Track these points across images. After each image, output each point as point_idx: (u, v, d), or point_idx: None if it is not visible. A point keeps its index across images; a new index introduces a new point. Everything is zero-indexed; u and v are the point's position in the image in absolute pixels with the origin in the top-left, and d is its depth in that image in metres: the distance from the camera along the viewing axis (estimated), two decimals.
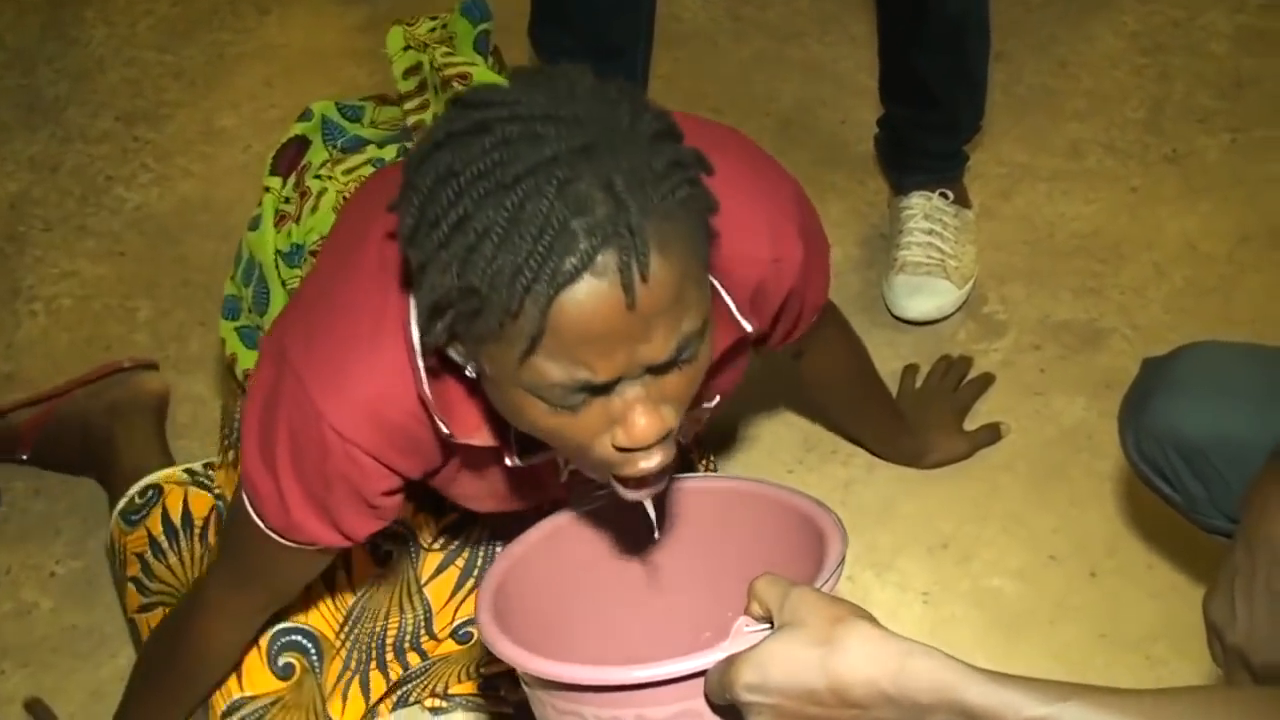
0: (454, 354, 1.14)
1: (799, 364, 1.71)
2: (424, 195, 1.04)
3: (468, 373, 1.15)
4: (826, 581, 1.17)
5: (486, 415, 1.25)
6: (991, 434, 1.98)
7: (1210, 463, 1.38)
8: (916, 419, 1.96)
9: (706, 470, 1.81)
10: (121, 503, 1.82)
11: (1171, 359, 1.45)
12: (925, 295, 2.10)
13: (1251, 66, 2.50)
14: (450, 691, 1.72)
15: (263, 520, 1.34)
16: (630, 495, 1.19)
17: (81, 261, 2.37)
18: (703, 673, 1.07)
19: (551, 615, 1.39)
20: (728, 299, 1.30)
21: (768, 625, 1.06)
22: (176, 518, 1.78)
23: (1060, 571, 1.85)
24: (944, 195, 2.17)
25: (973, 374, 2.05)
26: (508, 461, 1.31)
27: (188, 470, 1.84)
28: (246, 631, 1.56)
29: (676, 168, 1.04)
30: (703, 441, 1.83)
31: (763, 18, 2.71)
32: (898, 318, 2.13)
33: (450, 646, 1.71)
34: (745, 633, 1.07)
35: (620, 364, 1.05)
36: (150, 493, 1.82)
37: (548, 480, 1.46)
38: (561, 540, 1.40)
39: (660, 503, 1.38)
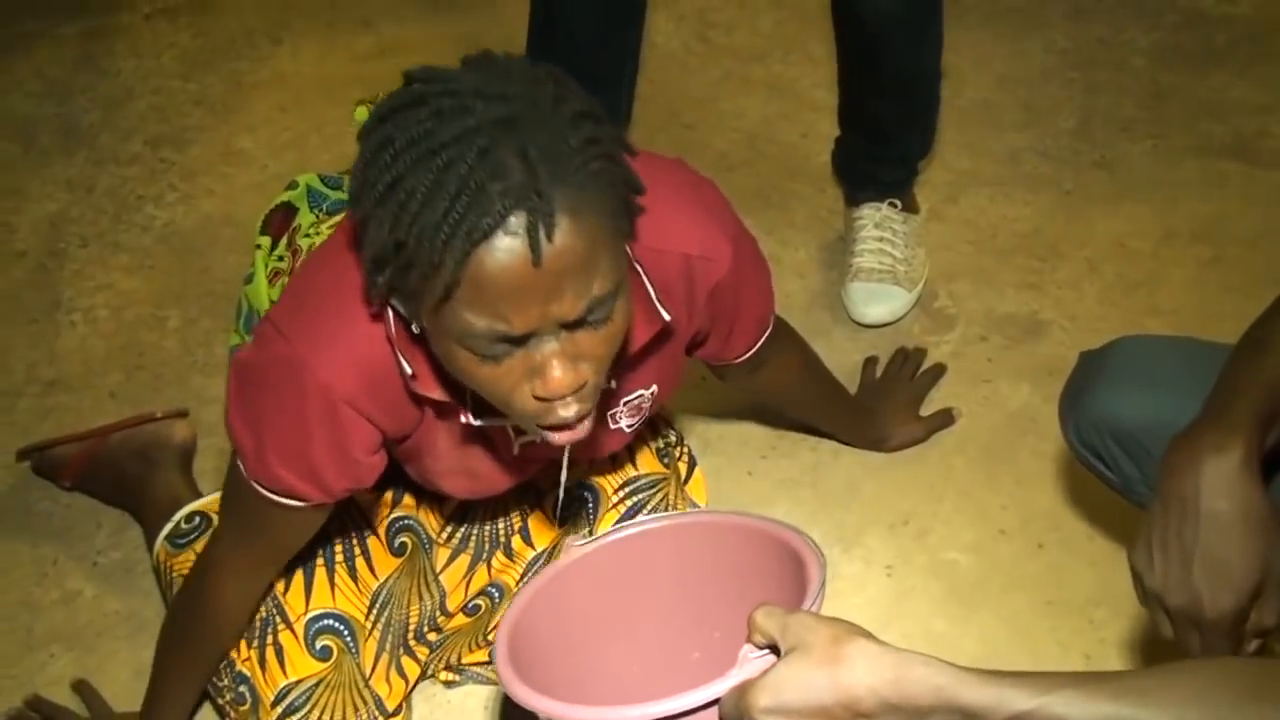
0: (399, 307, 1.17)
1: (752, 381, 1.65)
2: (365, 160, 1.07)
3: (414, 329, 1.16)
4: (813, 604, 1.14)
5: (443, 379, 1.25)
6: (945, 418, 1.94)
7: (1143, 446, 1.37)
8: (877, 407, 1.92)
9: (682, 457, 1.76)
10: (167, 528, 1.77)
11: (1105, 353, 1.43)
12: (880, 301, 2.06)
13: (1169, 79, 2.47)
14: (463, 662, 1.69)
15: (249, 475, 1.32)
16: (555, 439, 1.19)
17: (116, 275, 2.31)
18: (715, 701, 1.05)
19: (561, 654, 1.35)
20: (649, 286, 1.29)
21: (768, 651, 1.04)
22: None
23: (1010, 544, 1.81)
24: (893, 204, 2.12)
25: (927, 364, 2.00)
26: (463, 419, 1.29)
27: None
28: (254, 588, 1.52)
29: (592, 144, 1.06)
30: (682, 439, 1.78)
31: (729, 41, 2.67)
32: (857, 322, 2.08)
33: (461, 620, 1.67)
34: (751, 659, 1.04)
35: (534, 318, 1.07)
36: (198, 519, 1.76)
37: (504, 453, 1.43)
38: (562, 585, 1.35)
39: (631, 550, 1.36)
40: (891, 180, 2.13)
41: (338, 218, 1.52)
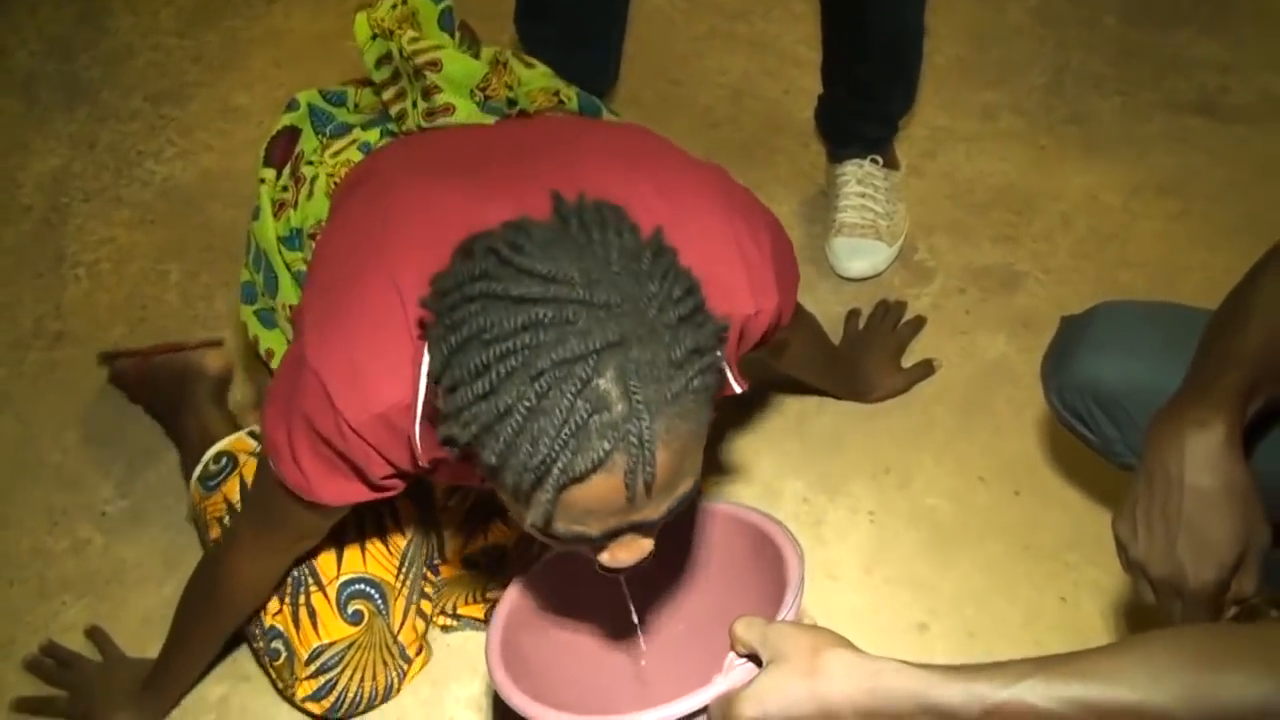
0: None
1: (770, 360, 1.61)
2: (453, 348, 0.95)
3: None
4: (793, 602, 1.12)
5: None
6: (926, 369, 1.89)
7: (1123, 408, 1.34)
8: (860, 360, 1.87)
9: None
10: (198, 469, 1.71)
11: (1087, 318, 1.40)
12: (862, 256, 2.00)
13: (1136, 37, 2.40)
14: (459, 612, 1.65)
15: (277, 473, 1.25)
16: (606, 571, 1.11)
17: (118, 229, 2.23)
18: (703, 709, 1.04)
19: (553, 645, 1.32)
20: (727, 371, 1.20)
21: (748, 659, 1.04)
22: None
23: (988, 491, 1.77)
24: (874, 161, 2.06)
25: (907, 316, 1.95)
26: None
27: (252, 434, 1.73)
28: (273, 568, 1.47)
29: (695, 355, 0.95)
30: None
31: None
32: (839, 276, 2.02)
33: (459, 571, 1.63)
34: (736, 666, 1.04)
35: (615, 527, 1.00)
36: (225, 460, 1.70)
37: None
38: (551, 578, 1.32)
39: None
40: (874, 137, 2.06)
41: (341, 144, 1.41)
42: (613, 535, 1.02)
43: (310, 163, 1.43)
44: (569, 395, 0.90)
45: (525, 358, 0.91)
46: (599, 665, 1.37)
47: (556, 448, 0.91)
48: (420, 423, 1.15)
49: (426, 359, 1.11)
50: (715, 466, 1.81)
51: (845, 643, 0.99)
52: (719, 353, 0.99)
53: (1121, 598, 1.64)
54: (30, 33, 2.63)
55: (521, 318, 0.91)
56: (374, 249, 1.19)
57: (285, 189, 1.45)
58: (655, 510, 0.99)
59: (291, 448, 1.22)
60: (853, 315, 1.95)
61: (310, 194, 1.39)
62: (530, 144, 1.29)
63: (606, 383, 0.91)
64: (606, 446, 0.91)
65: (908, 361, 1.90)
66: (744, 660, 1.05)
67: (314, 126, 1.48)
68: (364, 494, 1.25)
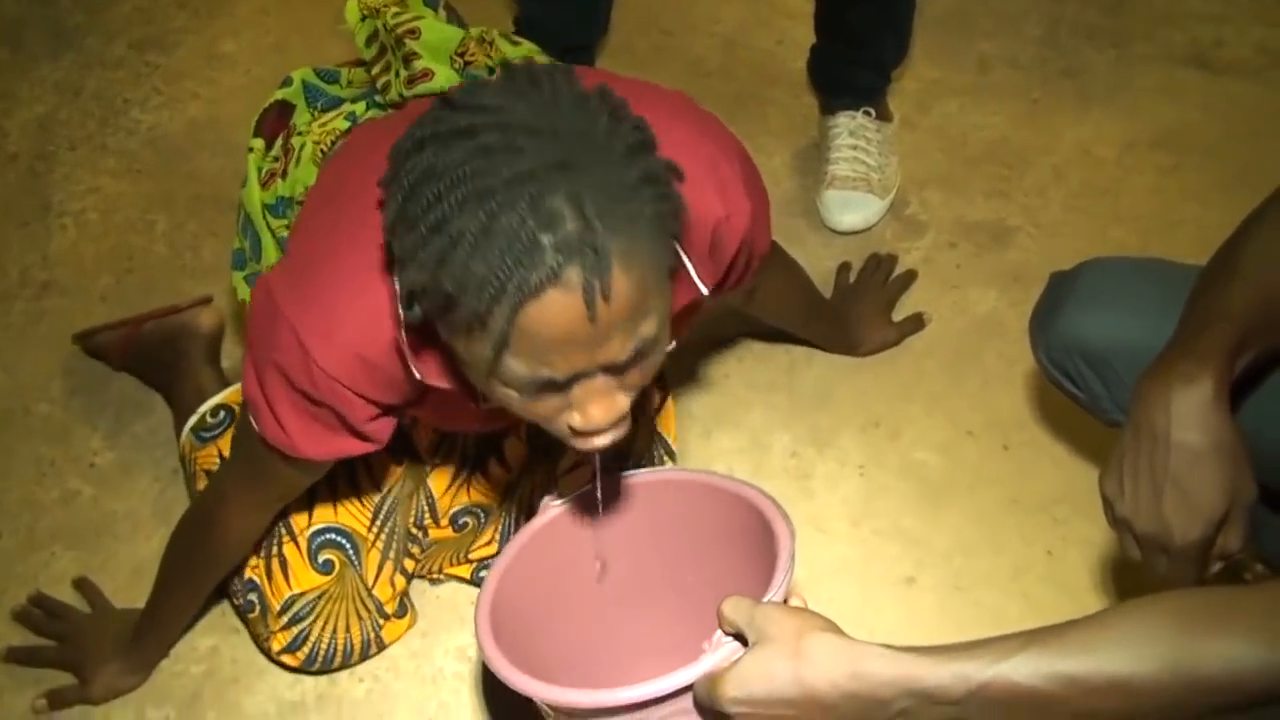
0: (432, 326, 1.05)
1: (749, 302, 1.60)
2: (406, 191, 0.94)
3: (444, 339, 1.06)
4: (782, 580, 1.12)
5: (454, 371, 1.15)
6: (916, 323, 1.89)
7: (1111, 366, 1.34)
8: (851, 313, 1.87)
9: (656, 387, 1.70)
10: (193, 420, 1.71)
11: (1076, 274, 1.40)
12: (854, 209, 1.99)
13: None
14: (445, 572, 1.66)
15: (259, 431, 1.25)
16: (586, 449, 1.09)
17: (104, 178, 2.22)
18: (688, 686, 1.05)
19: (541, 614, 1.33)
20: (687, 263, 1.18)
21: (734, 638, 1.04)
22: None
23: (977, 445, 1.78)
24: (867, 113, 2.05)
25: (898, 270, 1.95)
26: (475, 405, 1.22)
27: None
28: (258, 522, 1.47)
29: (648, 182, 0.95)
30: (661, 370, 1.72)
31: None
32: (831, 229, 2.02)
33: (447, 533, 1.63)
34: (722, 645, 1.05)
35: (579, 365, 0.98)
36: (222, 414, 1.70)
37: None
38: (538, 547, 1.32)
39: (611, 487, 1.32)
40: (866, 87, 2.05)
41: (330, 116, 1.41)
42: (578, 377, 1.00)
43: (300, 134, 1.43)
44: (519, 213, 0.90)
45: (475, 183, 0.91)
46: (587, 633, 1.38)
47: (509, 263, 0.90)
48: (408, 347, 1.14)
49: (398, 285, 1.10)
50: (704, 418, 1.82)
51: (831, 626, 1.00)
52: (672, 189, 0.99)
53: (1108, 551, 1.65)
54: None
55: (470, 145, 0.92)
56: (348, 202, 1.19)
57: (275, 159, 1.45)
58: (621, 346, 0.97)
59: (270, 403, 1.21)
60: (844, 268, 1.94)
61: (298, 161, 1.39)
62: None
63: (558, 201, 0.91)
64: (560, 259, 0.90)
65: (898, 315, 1.90)
66: (730, 639, 1.06)
67: (307, 102, 1.48)
68: (348, 446, 1.25)
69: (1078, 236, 1.98)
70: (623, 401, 1.04)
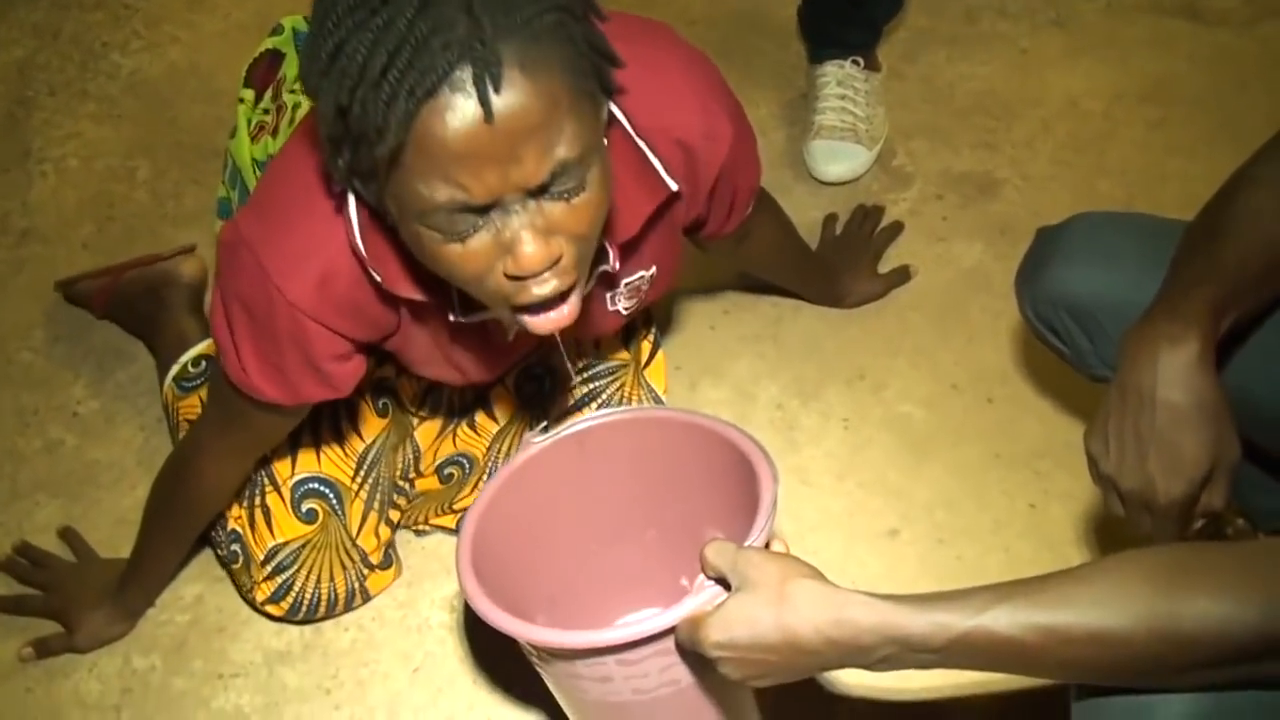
0: (363, 194, 1.05)
1: (737, 250, 1.59)
2: (311, 33, 0.95)
3: (382, 223, 1.06)
4: (764, 529, 1.13)
5: (418, 278, 1.15)
6: (902, 275, 1.89)
7: (1097, 321, 1.34)
8: (837, 264, 1.87)
9: (647, 336, 1.69)
10: (174, 369, 1.71)
11: (1062, 230, 1.39)
12: (841, 159, 1.99)
13: None
14: (430, 523, 1.66)
15: (229, 378, 1.25)
16: (537, 326, 1.08)
17: (84, 124, 2.20)
18: (671, 629, 1.06)
19: (522, 551, 1.33)
20: (653, 158, 1.19)
21: (717, 583, 1.06)
22: None
23: (961, 399, 1.78)
24: (856, 63, 2.03)
25: (885, 222, 1.94)
26: (450, 318, 1.21)
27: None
28: (236, 470, 1.48)
29: None
30: (651, 320, 1.71)
31: None
32: (817, 180, 2.01)
33: (432, 483, 1.63)
34: (705, 589, 1.06)
35: (493, 184, 0.95)
36: (204, 363, 1.70)
37: (497, 343, 1.36)
38: (520, 483, 1.32)
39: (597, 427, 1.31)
40: (856, 41, 2.04)
41: None
42: (500, 205, 0.98)
43: (293, 91, 1.41)
44: (407, 16, 0.90)
45: (369, 2, 0.91)
46: (569, 568, 1.39)
47: (401, 64, 0.90)
48: (372, 249, 1.13)
49: (352, 202, 1.11)
50: (690, 368, 1.82)
51: (814, 573, 1.01)
52: (585, 19, 0.98)
53: (1090, 505, 1.66)
54: None
55: None
56: (314, 143, 1.17)
57: (266, 112, 1.44)
58: (535, 163, 0.96)
59: (236, 346, 1.22)
60: (830, 220, 1.94)
61: (292, 121, 1.38)
62: None
63: (447, 7, 0.91)
64: (451, 57, 0.90)
65: (885, 267, 1.90)
66: (712, 583, 1.07)
67: (298, 51, 1.46)
68: (310, 392, 1.25)
69: (1064, 189, 1.98)
70: (557, 245, 1.02)
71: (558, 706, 1.29)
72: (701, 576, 1.08)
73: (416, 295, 1.17)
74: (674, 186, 1.22)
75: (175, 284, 1.83)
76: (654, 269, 1.34)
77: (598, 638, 1.10)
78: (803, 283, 1.84)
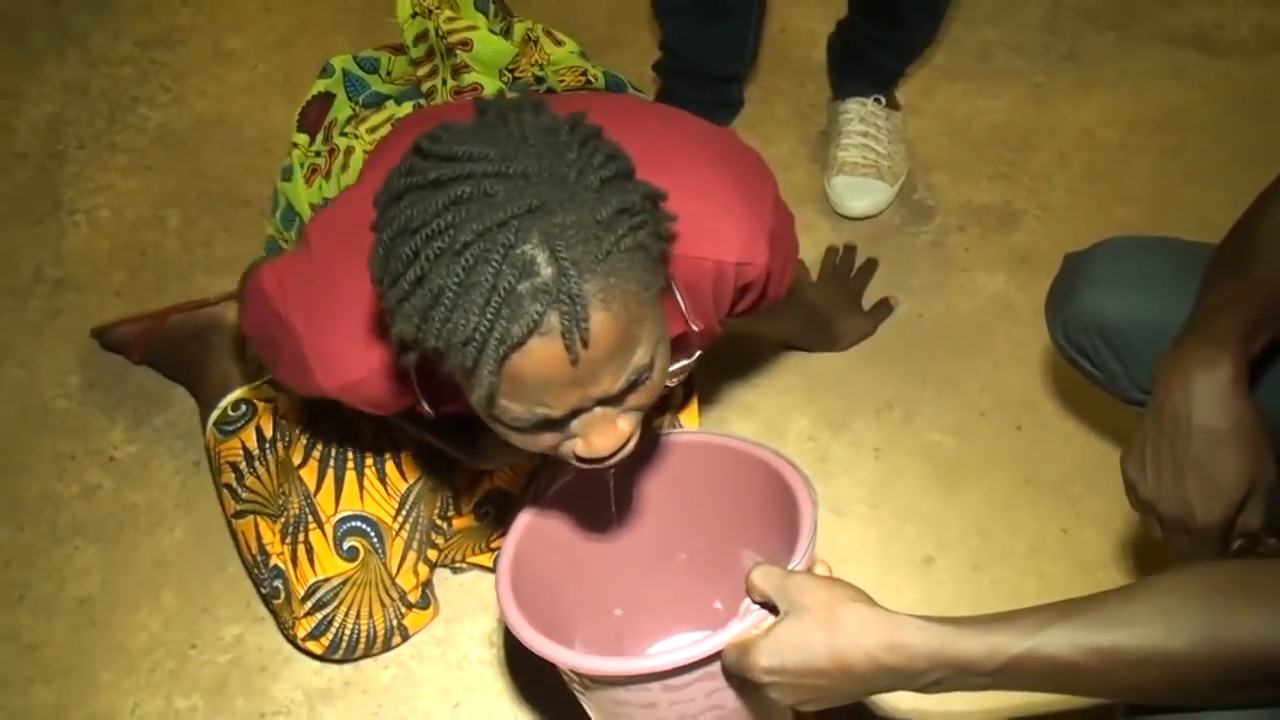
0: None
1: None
2: (386, 246, 0.95)
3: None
4: (806, 551, 1.14)
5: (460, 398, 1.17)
6: (887, 308, 1.90)
7: (1128, 344, 1.36)
8: (826, 312, 1.85)
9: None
10: (215, 414, 1.74)
11: (1090, 255, 1.41)
12: (863, 194, 2.00)
13: None
14: (467, 561, 1.67)
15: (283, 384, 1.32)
16: (590, 469, 1.11)
17: (114, 175, 2.22)
18: (720, 653, 1.07)
19: (559, 576, 1.35)
20: (681, 301, 1.20)
21: (763, 606, 1.06)
22: (268, 433, 1.69)
23: (990, 426, 1.79)
24: (878, 100, 2.06)
25: (859, 261, 1.96)
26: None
27: (270, 383, 1.75)
28: None
29: (623, 215, 0.95)
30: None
31: None
32: (840, 215, 2.03)
33: (470, 522, 1.64)
34: (752, 613, 1.06)
35: (574, 402, 0.99)
36: (244, 408, 1.73)
37: None
38: (555, 510, 1.34)
39: (625, 482, 1.33)
40: (886, 70, 2.05)
41: (376, 119, 1.43)
42: (576, 414, 1.02)
43: (345, 134, 1.44)
44: (494, 263, 0.90)
45: (450, 237, 0.91)
46: (604, 591, 1.39)
47: (490, 316, 0.91)
48: (418, 386, 1.17)
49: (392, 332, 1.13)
50: (719, 404, 1.83)
51: (863, 596, 1.01)
52: (653, 216, 0.99)
53: (1122, 528, 1.67)
54: None
55: (442, 199, 0.92)
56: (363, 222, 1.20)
57: (319, 154, 1.46)
58: (612, 381, 0.99)
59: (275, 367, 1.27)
60: (830, 253, 1.96)
61: (345, 166, 1.41)
62: None
63: (531, 248, 0.91)
64: (539, 309, 0.91)
65: (910, 300, 1.91)
66: (758, 608, 1.07)
67: (348, 93, 1.50)
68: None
69: (1083, 218, 2.00)
70: (625, 427, 1.06)
71: None
72: (747, 600, 1.08)
73: (465, 410, 1.20)
74: (695, 328, 1.24)
75: (221, 328, 1.86)
76: (697, 354, 1.35)
77: (646, 664, 1.11)
78: (799, 336, 1.85)
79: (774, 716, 1.23)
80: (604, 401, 1.01)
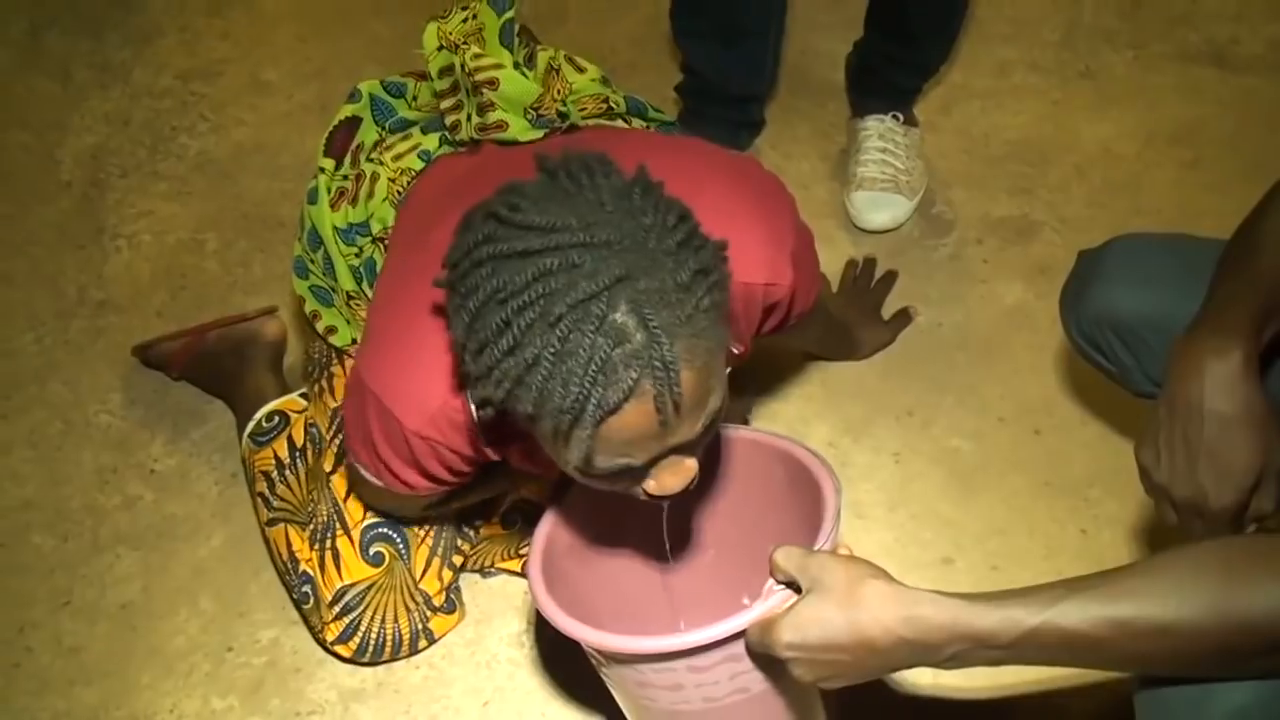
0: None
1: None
2: (472, 314, 0.99)
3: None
4: (830, 536, 1.18)
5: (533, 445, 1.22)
6: (906, 318, 1.94)
7: (1140, 337, 1.39)
8: (846, 322, 1.90)
9: None
10: (250, 426, 1.79)
11: (1103, 252, 1.44)
12: (883, 209, 2.05)
13: None
14: (496, 566, 1.70)
15: (382, 483, 1.36)
16: (655, 502, 1.17)
17: (155, 201, 2.29)
18: (743, 631, 1.10)
19: (590, 570, 1.38)
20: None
21: (787, 586, 1.09)
22: (299, 443, 1.74)
23: (1008, 431, 1.82)
24: (896, 117, 2.10)
25: (879, 272, 2.00)
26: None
27: (303, 395, 1.81)
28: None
29: (700, 276, 1.00)
30: None
31: None
32: (860, 229, 2.07)
33: (496, 529, 1.68)
34: (775, 593, 1.09)
35: (655, 452, 1.05)
36: (277, 419, 1.78)
37: None
38: (586, 504, 1.38)
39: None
40: (903, 87, 2.10)
41: (402, 146, 1.48)
42: (655, 461, 1.07)
43: (370, 159, 1.49)
44: (589, 334, 0.94)
45: (542, 307, 0.95)
46: (631, 587, 1.43)
47: (587, 385, 0.95)
48: (484, 440, 1.23)
49: (469, 397, 1.18)
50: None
51: (883, 574, 1.04)
52: (721, 272, 1.03)
53: (1140, 530, 1.69)
54: (61, 11, 2.68)
55: (531, 270, 0.96)
56: (419, 276, 1.25)
57: (345, 178, 1.51)
58: (690, 429, 1.04)
59: (387, 464, 1.31)
60: (850, 265, 2.00)
61: (371, 194, 1.46)
62: None
63: (622, 315, 0.95)
64: (634, 375, 0.96)
65: (930, 310, 1.94)
66: (782, 587, 1.10)
67: (374, 117, 1.55)
68: (446, 476, 1.33)
69: (1101, 230, 1.99)
70: (691, 464, 1.11)
71: None
72: (770, 581, 1.11)
73: (533, 466, 1.28)
74: (735, 351, 1.27)
75: (258, 342, 1.91)
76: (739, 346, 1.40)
77: (671, 642, 1.13)
78: (819, 346, 1.89)
79: (800, 700, 1.25)
80: (680, 448, 1.07)
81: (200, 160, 2.36)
